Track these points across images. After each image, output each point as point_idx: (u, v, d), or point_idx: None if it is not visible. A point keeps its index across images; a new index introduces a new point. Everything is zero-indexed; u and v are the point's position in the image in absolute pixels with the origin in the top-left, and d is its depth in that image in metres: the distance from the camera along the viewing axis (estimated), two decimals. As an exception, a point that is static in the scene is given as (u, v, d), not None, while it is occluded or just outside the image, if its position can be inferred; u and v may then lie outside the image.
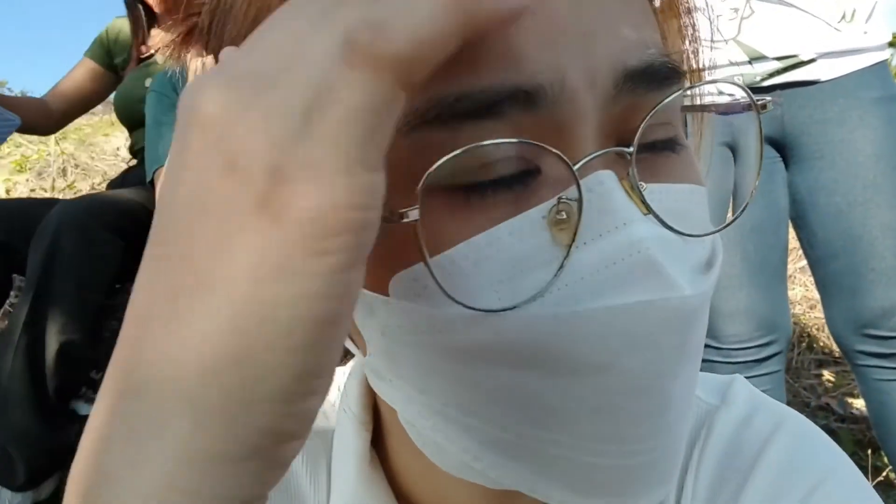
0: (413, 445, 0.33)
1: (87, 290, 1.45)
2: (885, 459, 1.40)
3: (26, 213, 1.59)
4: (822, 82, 1.23)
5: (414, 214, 0.26)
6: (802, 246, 1.31)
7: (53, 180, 3.42)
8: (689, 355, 0.29)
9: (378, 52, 0.19)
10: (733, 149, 1.30)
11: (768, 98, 0.31)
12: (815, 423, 0.44)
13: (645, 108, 0.28)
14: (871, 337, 1.22)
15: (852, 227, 1.21)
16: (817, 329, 2.19)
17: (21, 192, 3.57)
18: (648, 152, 0.30)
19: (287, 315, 0.19)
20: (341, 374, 0.44)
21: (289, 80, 0.20)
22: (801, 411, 0.43)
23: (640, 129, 0.28)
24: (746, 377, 0.49)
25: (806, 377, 2.01)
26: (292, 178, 0.19)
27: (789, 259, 2.38)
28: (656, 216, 0.28)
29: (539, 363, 0.27)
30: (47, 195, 3.46)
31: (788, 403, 0.44)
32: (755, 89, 1.25)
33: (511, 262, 0.27)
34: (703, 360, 1.30)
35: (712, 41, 1.24)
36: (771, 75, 1.24)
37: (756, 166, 0.34)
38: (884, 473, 1.56)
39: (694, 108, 0.34)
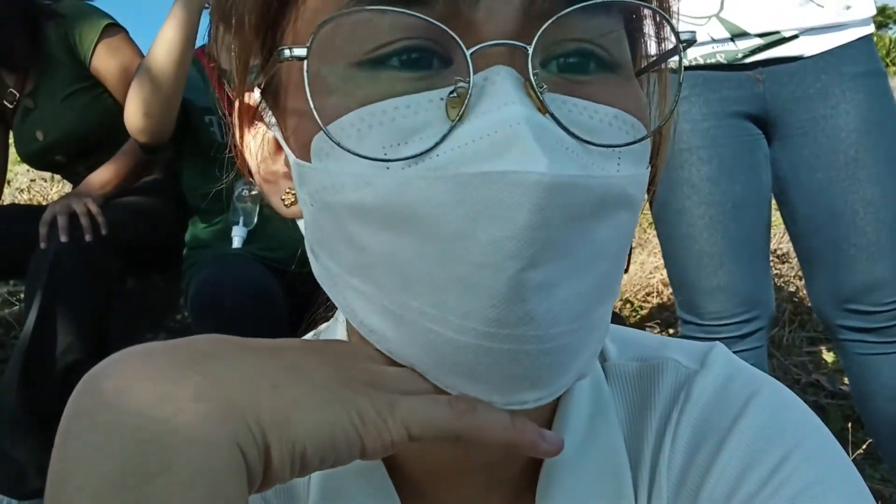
0: None
1: (90, 312, 1.50)
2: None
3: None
4: (805, 58, 1.23)
5: (300, 52, 0.30)
6: (785, 222, 1.32)
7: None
8: (552, 247, 0.29)
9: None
10: (763, 122, 1.26)
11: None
12: (805, 399, 0.44)
13: (572, 25, 0.31)
14: (853, 311, 1.23)
15: (834, 202, 1.21)
16: (811, 307, 2.19)
17: (22, 182, 3.60)
18: (574, 73, 0.32)
19: None
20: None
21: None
22: (790, 388, 0.44)
23: (542, 28, 0.30)
24: None
25: (797, 354, 2.02)
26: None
27: (784, 237, 2.38)
28: (553, 117, 0.30)
29: (412, 227, 0.30)
30: (47, 185, 3.50)
31: (779, 380, 0.44)
32: (738, 66, 1.25)
33: (404, 131, 0.30)
34: (686, 337, 1.31)
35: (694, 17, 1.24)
36: (753, 52, 1.24)
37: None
38: (863, 448, 1.57)
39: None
